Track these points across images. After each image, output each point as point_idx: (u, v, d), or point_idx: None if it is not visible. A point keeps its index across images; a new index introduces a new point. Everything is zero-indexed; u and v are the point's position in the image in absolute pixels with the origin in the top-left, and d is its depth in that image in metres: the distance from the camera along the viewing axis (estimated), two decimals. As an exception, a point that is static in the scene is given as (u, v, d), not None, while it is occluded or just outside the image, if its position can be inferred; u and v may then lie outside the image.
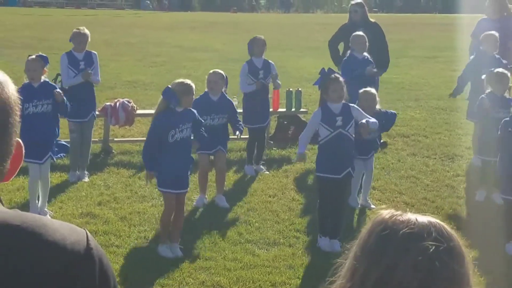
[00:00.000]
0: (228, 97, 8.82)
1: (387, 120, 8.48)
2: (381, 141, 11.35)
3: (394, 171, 10.13)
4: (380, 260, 1.70)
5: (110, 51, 22.20)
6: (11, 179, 1.68)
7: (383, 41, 11.31)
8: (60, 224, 1.62)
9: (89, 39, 9.38)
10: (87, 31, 9.35)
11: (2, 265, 1.51)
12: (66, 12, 40.68)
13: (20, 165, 1.68)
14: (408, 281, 1.66)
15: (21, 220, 1.56)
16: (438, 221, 1.78)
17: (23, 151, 1.69)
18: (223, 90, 8.66)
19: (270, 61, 9.94)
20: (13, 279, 1.51)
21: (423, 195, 9.03)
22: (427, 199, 8.89)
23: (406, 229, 1.72)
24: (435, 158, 10.85)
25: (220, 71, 8.68)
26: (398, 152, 11.19)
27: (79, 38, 9.27)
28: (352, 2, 11.51)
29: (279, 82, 10.00)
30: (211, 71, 8.71)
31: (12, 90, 1.64)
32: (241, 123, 8.86)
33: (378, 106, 8.35)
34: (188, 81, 7.17)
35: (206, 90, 8.68)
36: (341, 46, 11.40)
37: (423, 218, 1.76)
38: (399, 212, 1.78)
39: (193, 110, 7.29)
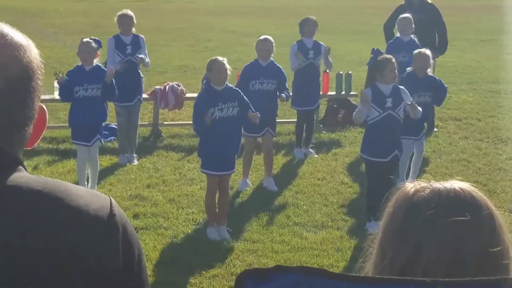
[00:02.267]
0: (276, 63, 8.73)
1: (439, 89, 8.31)
2: (435, 129, 11.19)
3: (446, 154, 9.97)
4: (407, 241, 1.62)
5: (161, 36, 22.31)
6: (35, 145, 1.67)
7: (441, 23, 11.17)
8: (84, 191, 1.61)
9: (135, 21, 9.38)
10: (130, 13, 9.36)
11: (25, 230, 1.50)
12: (119, -1, 40.98)
13: (44, 131, 1.66)
14: (437, 259, 1.58)
15: (43, 185, 1.55)
16: (467, 187, 1.67)
17: (47, 116, 1.67)
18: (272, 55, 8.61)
19: (321, 42, 9.83)
20: (36, 244, 1.49)
21: (475, 178, 8.87)
22: (479, 183, 8.71)
23: (431, 203, 1.63)
24: (488, 142, 10.65)
25: (269, 37, 8.58)
26: (450, 135, 11.01)
27: (122, 20, 9.30)
28: None
29: (330, 60, 9.85)
30: (261, 38, 8.60)
31: (35, 54, 1.63)
32: (289, 90, 8.75)
33: (430, 71, 8.26)
34: (214, 57, 7.14)
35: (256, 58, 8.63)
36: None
37: (449, 187, 1.66)
38: (424, 185, 1.69)
39: (238, 90, 7.25)
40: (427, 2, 11.28)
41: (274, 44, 8.56)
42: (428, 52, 8.24)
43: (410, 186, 1.70)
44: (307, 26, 9.72)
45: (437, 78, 8.56)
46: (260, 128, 8.45)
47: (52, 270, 1.49)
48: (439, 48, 10.82)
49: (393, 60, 7.23)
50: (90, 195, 1.60)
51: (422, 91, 8.12)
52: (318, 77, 9.95)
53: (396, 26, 9.91)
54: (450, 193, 1.64)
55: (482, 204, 1.64)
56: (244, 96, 7.24)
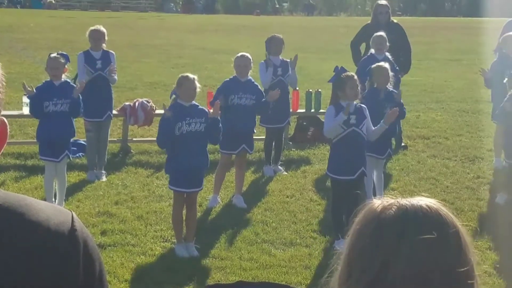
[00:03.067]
0: (255, 82, 8.72)
1: (398, 102, 8.33)
2: (402, 144, 11.29)
3: (414, 173, 10.03)
4: (374, 258, 1.61)
5: (133, 53, 22.28)
6: None
7: (406, 42, 11.28)
8: (45, 205, 1.58)
9: (106, 37, 9.36)
10: (102, 29, 9.34)
11: None
12: (90, 15, 40.91)
13: (4, 145, 1.64)
14: (404, 277, 1.57)
15: (4, 199, 1.52)
16: (434, 204, 1.66)
17: (8, 129, 1.65)
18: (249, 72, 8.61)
19: (288, 60, 9.86)
20: None
21: (443, 196, 8.92)
22: (447, 201, 8.77)
23: (398, 221, 1.62)
24: (456, 160, 10.74)
25: (247, 54, 8.60)
26: (418, 153, 11.09)
27: (93, 35, 9.27)
28: (379, 3, 11.44)
29: (295, 76, 9.85)
30: (239, 55, 8.61)
31: None
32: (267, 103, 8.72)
33: (390, 86, 8.31)
34: (185, 74, 7.14)
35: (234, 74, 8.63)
36: (363, 47, 11.34)
37: (416, 205, 1.65)
38: (391, 202, 1.68)
39: (205, 109, 7.24)
40: (393, 21, 11.40)
41: (251, 61, 8.57)
42: (386, 65, 8.29)
43: (378, 203, 1.69)
44: (274, 44, 9.75)
45: (396, 92, 8.53)
46: (236, 145, 8.44)
47: (10, 285, 1.46)
48: (403, 68, 10.92)
49: (355, 77, 7.26)
50: (52, 210, 1.58)
51: (387, 103, 8.15)
52: (287, 94, 9.98)
53: (371, 43, 9.95)
54: (417, 211, 1.63)
55: (449, 222, 1.64)
56: (208, 116, 7.20)
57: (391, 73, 8.30)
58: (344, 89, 7.19)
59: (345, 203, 7.18)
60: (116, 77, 9.45)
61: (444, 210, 1.66)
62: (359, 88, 7.26)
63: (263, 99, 8.64)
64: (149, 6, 57.40)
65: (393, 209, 1.65)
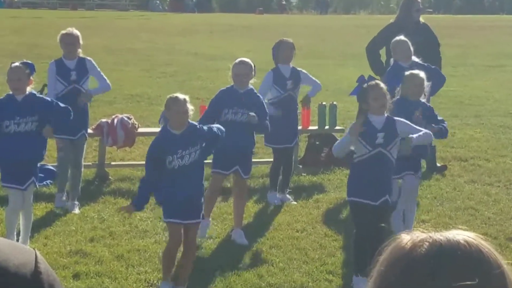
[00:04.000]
0: (257, 92, 8.78)
1: (432, 118, 8.37)
2: (438, 165, 11.30)
3: (449, 201, 10.04)
4: None
5: (111, 59, 22.38)
6: None
7: (436, 48, 11.32)
8: (3, 243, 1.59)
9: (81, 42, 9.41)
10: (76, 32, 9.38)
11: None
12: (60, 14, 41.14)
13: None
14: None
15: None
16: (474, 239, 1.65)
17: None
18: (251, 82, 8.66)
19: (300, 69, 9.91)
20: None
21: (484, 230, 8.93)
22: (489, 235, 8.76)
23: (431, 260, 1.62)
24: (499, 186, 10.75)
25: (247, 60, 8.63)
26: (454, 178, 11.10)
27: (66, 40, 9.30)
28: None
29: (318, 83, 10.01)
30: (237, 61, 8.64)
31: None
32: (268, 123, 8.77)
33: (424, 99, 8.35)
34: (174, 95, 7.09)
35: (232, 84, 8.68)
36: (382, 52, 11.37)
37: (452, 240, 1.64)
38: (422, 237, 1.68)
39: (201, 129, 7.19)
40: (422, 22, 11.45)
41: (253, 68, 8.61)
42: (422, 74, 8.34)
43: (406, 238, 1.68)
44: (283, 50, 9.79)
45: (431, 107, 8.59)
46: (229, 165, 8.47)
47: None
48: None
49: (380, 85, 7.26)
50: (11, 248, 1.59)
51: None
52: (296, 109, 10.02)
53: (392, 50, 9.93)
54: (454, 248, 1.63)
55: (492, 261, 1.62)
56: (203, 128, 7.19)
57: (426, 83, 8.35)
58: (367, 100, 7.22)
59: (368, 234, 7.17)
60: (106, 83, 9.50)
61: (487, 246, 1.65)
62: (387, 98, 7.27)
63: (264, 116, 8.65)
64: (131, 4, 57.67)
65: (425, 246, 1.65)
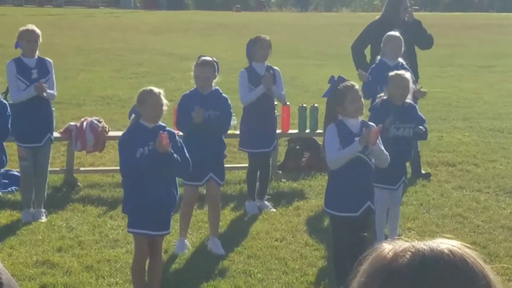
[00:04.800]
0: (222, 93, 8.73)
1: (418, 120, 8.46)
2: (423, 172, 11.37)
3: (436, 208, 10.09)
4: None
5: (79, 59, 22.34)
6: None
7: (425, 35, 11.51)
8: None
9: (40, 40, 9.37)
10: (36, 29, 9.36)
11: None
12: (25, 11, 40.99)
13: None
14: None
15: None
16: (458, 248, 1.65)
17: None
18: (214, 80, 8.62)
19: (275, 67, 9.93)
20: None
21: (473, 238, 8.99)
22: (477, 244, 8.84)
23: (413, 271, 1.62)
24: (488, 193, 10.81)
25: (209, 59, 8.55)
26: (441, 184, 11.15)
27: (26, 36, 9.28)
28: None
29: (282, 92, 9.93)
30: (199, 61, 8.55)
31: None
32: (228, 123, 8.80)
33: (409, 99, 8.40)
34: (148, 88, 7.16)
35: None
36: (367, 51, 11.44)
37: (436, 250, 1.63)
38: (405, 246, 1.68)
39: (172, 130, 7.29)
40: (414, 19, 11.55)
41: (216, 68, 8.58)
42: (407, 75, 8.40)
43: (388, 248, 1.68)
44: (259, 47, 9.81)
45: (415, 107, 8.66)
46: (201, 175, 8.47)
47: None
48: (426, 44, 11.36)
49: (356, 87, 7.30)
50: None
51: (401, 122, 8.25)
52: (273, 110, 10.02)
53: (384, 45, 9.96)
54: (437, 258, 1.63)
55: (478, 271, 1.62)
56: (181, 142, 7.25)
57: (412, 86, 8.40)
58: (343, 103, 7.21)
59: (349, 246, 7.20)
60: (54, 91, 9.45)
61: (472, 255, 1.65)
62: (362, 101, 7.31)
63: (226, 117, 8.65)
64: (101, 0, 57.49)
65: (407, 256, 1.65)
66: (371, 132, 7.07)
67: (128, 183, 7.22)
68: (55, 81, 9.50)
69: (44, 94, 9.05)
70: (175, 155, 6.95)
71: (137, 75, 20.32)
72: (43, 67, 9.35)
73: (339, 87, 7.25)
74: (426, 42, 11.68)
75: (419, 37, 11.48)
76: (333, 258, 7.53)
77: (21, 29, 9.38)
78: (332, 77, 7.49)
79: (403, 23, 11.23)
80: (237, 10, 50.18)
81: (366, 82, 9.90)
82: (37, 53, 9.38)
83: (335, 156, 7.19)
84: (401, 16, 11.36)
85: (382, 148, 7.32)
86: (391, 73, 8.49)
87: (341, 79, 7.38)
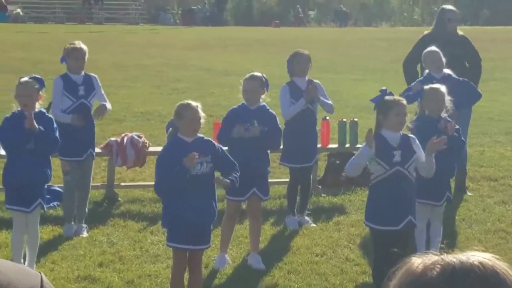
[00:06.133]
0: (269, 109, 8.75)
1: (455, 139, 8.40)
2: (468, 192, 11.28)
3: (478, 224, 10.01)
4: None
5: (119, 75, 22.48)
6: None
7: (476, 61, 11.41)
8: (8, 266, 1.60)
9: (87, 56, 9.44)
10: (84, 46, 9.42)
11: None
12: (67, 29, 41.35)
13: None
14: None
15: None
16: (490, 260, 1.64)
17: None
18: (262, 97, 8.65)
19: (316, 80, 9.92)
20: None
21: (516, 254, 8.90)
22: (520, 259, 8.75)
23: (443, 284, 1.61)
24: (532, 207, 10.72)
25: (257, 74, 8.63)
26: (484, 199, 11.07)
27: (75, 54, 9.34)
28: (448, 8, 11.55)
29: (330, 102, 9.96)
30: (247, 76, 8.64)
31: None
32: (279, 140, 8.82)
33: (444, 114, 8.35)
34: (186, 101, 7.20)
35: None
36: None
37: (466, 263, 1.62)
38: (434, 259, 1.67)
39: (211, 140, 7.32)
40: (459, 33, 11.50)
41: (265, 82, 8.62)
42: (443, 88, 8.33)
43: (417, 262, 1.68)
44: (298, 62, 9.83)
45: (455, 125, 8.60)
46: (245, 189, 8.46)
47: None
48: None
49: (403, 102, 7.30)
50: (16, 272, 1.59)
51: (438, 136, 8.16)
52: (315, 126, 10.02)
53: (423, 62, 10.04)
54: (468, 270, 1.61)
55: (510, 284, 1.61)
56: (221, 148, 7.29)
57: (447, 98, 8.34)
58: (387, 114, 7.23)
59: (389, 261, 7.15)
60: (107, 103, 9.52)
61: (504, 267, 1.63)
62: (406, 117, 7.30)
63: (275, 133, 8.67)
64: (141, 17, 57.84)
65: (437, 269, 1.64)
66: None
67: (166, 197, 7.24)
68: (104, 94, 9.58)
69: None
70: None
71: (177, 90, 20.39)
72: (89, 83, 9.41)
73: (388, 98, 7.27)
74: (475, 63, 11.51)
75: (468, 54, 11.38)
76: (372, 272, 7.50)
77: (68, 46, 9.41)
78: (385, 89, 7.52)
79: (450, 36, 11.18)
80: (276, 25, 50.21)
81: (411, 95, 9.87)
82: (85, 69, 9.46)
83: (349, 162, 7.45)
84: (447, 28, 11.32)
85: (433, 160, 7.40)
86: (426, 87, 8.45)
87: (391, 95, 7.42)
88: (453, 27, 11.41)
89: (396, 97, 7.39)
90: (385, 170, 7.27)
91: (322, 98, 9.76)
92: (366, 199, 7.82)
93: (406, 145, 7.33)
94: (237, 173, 7.27)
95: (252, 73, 8.70)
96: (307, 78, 9.85)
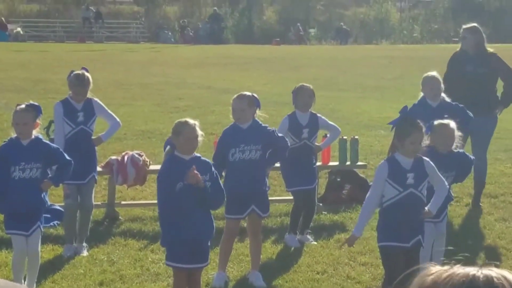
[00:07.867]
0: (262, 123, 8.67)
1: (462, 166, 8.41)
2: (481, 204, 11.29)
3: (478, 241, 10.03)
4: None
5: (120, 93, 22.50)
6: None
7: (508, 75, 11.34)
8: (5, 284, 1.61)
9: (91, 85, 9.43)
10: (88, 75, 9.40)
11: None
12: (67, 47, 41.47)
13: None
14: None
15: None
16: (506, 275, 1.67)
17: None
18: (255, 115, 8.59)
19: (318, 114, 9.94)
20: None
21: (516, 271, 8.88)
22: (521, 276, 8.75)
23: None
24: (532, 224, 10.72)
25: (245, 94, 8.54)
26: (484, 216, 11.08)
27: (77, 81, 9.32)
28: (464, 27, 11.57)
29: (335, 132, 10.16)
30: (235, 96, 8.59)
31: None
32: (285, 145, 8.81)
33: (455, 147, 8.35)
34: (184, 119, 7.22)
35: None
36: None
37: (477, 276, 1.65)
38: (449, 271, 1.68)
39: (208, 161, 7.32)
40: (487, 51, 11.44)
41: (253, 101, 8.51)
42: (452, 124, 8.25)
43: (432, 273, 1.74)
44: (301, 96, 9.86)
45: (463, 153, 8.57)
46: (243, 207, 8.46)
47: None
48: (503, 101, 11.14)
49: (422, 130, 7.28)
50: None
51: (444, 171, 8.09)
52: (312, 157, 10.07)
53: (421, 83, 10.00)
54: (482, 281, 1.66)
55: None
56: (216, 173, 7.30)
57: (457, 133, 8.27)
58: (403, 141, 7.21)
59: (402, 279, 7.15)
60: (116, 120, 9.66)
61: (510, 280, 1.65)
62: (421, 145, 7.30)
63: (279, 141, 8.66)
64: (141, 35, 58.01)
65: (453, 278, 1.70)
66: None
67: (164, 216, 7.25)
68: (111, 112, 9.68)
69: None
70: (208, 187, 6.99)
71: (178, 109, 20.41)
72: (89, 108, 9.39)
73: (408, 122, 7.24)
74: (508, 77, 11.43)
75: (500, 71, 11.35)
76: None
77: (72, 74, 9.35)
78: (405, 107, 7.52)
79: (479, 55, 11.18)
80: (276, 43, 50.30)
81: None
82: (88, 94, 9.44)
83: (364, 207, 7.56)
84: (462, 47, 11.35)
85: (437, 199, 7.59)
86: (436, 122, 8.31)
87: (405, 109, 7.45)
88: (469, 45, 11.36)
89: (415, 121, 7.32)
90: (398, 192, 7.28)
91: (327, 140, 10.17)
92: (377, 221, 7.77)
93: (419, 167, 7.35)
94: (222, 201, 7.38)
95: (240, 93, 8.63)
96: (310, 112, 9.89)
